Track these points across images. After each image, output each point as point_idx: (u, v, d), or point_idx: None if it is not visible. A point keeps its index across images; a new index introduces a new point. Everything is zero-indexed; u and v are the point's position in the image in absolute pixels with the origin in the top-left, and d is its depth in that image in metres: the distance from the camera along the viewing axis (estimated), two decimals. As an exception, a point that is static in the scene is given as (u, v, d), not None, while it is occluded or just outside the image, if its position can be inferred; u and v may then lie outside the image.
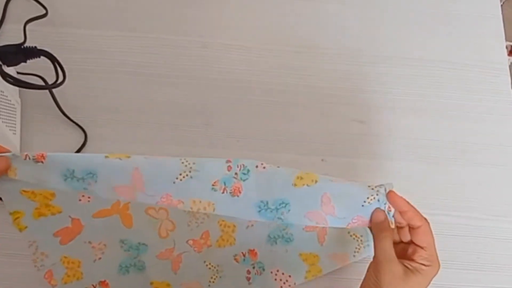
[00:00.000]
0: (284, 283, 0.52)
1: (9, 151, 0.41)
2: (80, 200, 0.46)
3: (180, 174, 0.42)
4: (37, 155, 0.40)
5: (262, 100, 0.63)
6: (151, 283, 0.51)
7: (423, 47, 0.67)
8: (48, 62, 0.51)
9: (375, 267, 0.43)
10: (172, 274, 0.51)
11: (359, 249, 0.53)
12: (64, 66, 0.51)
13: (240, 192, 0.43)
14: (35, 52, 0.50)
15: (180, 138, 0.60)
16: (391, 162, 0.61)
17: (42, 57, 0.50)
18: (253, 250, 0.53)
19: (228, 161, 0.44)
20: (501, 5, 0.72)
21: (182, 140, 0.60)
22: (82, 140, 0.58)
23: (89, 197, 0.46)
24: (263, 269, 0.53)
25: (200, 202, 0.43)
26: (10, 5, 0.63)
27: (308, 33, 0.67)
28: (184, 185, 0.42)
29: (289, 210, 0.44)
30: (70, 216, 0.47)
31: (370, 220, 0.45)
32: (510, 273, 0.58)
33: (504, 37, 0.69)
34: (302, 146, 0.61)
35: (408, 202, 0.44)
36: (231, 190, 0.42)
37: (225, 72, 0.63)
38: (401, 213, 0.44)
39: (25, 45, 0.50)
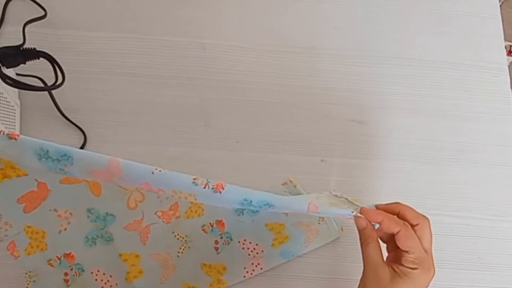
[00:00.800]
0: (251, 251, 0.54)
1: None
2: None
3: (158, 167, 0.40)
4: (10, 133, 0.39)
5: (261, 101, 0.63)
6: (120, 255, 0.52)
7: (422, 47, 0.67)
8: (47, 63, 0.51)
9: (363, 273, 0.43)
10: (141, 246, 0.52)
11: (323, 217, 0.55)
12: (63, 68, 0.51)
13: (222, 189, 0.40)
14: (34, 54, 0.50)
15: (180, 139, 0.60)
16: (390, 163, 0.61)
17: (41, 58, 0.50)
18: (221, 220, 0.55)
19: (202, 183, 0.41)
20: (500, 5, 0.72)
21: (182, 141, 0.60)
22: (82, 141, 0.58)
23: None
24: (231, 239, 0.54)
25: (181, 192, 0.41)
26: (9, 6, 0.63)
27: (306, 33, 0.67)
28: (163, 176, 0.39)
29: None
30: (36, 180, 0.46)
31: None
32: (510, 273, 0.58)
33: (503, 37, 0.69)
34: (301, 147, 0.61)
35: (380, 212, 0.43)
36: (213, 186, 0.40)
37: (224, 73, 0.63)
38: (379, 224, 0.43)
39: (24, 46, 0.50)
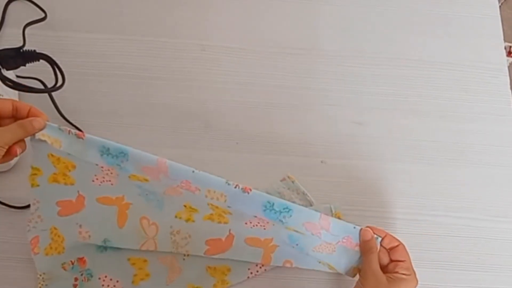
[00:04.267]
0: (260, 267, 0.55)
1: (46, 118, 0.44)
2: (93, 181, 0.50)
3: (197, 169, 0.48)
4: (78, 133, 0.45)
5: (261, 102, 0.63)
6: (128, 259, 0.54)
7: (422, 48, 0.67)
8: (47, 65, 0.51)
9: (363, 276, 0.50)
10: (149, 252, 0.54)
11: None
12: (63, 70, 0.51)
13: (250, 190, 0.47)
14: (34, 56, 0.50)
15: (180, 140, 0.60)
16: (390, 163, 0.61)
17: (41, 60, 0.50)
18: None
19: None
20: (500, 6, 0.72)
21: (182, 143, 0.60)
22: (82, 143, 0.58)
23: (101, 181, 0.50)
24: None
25: (215, 192, 0.47)
26: (10, 8, 0.63)
27: (306, 35, 0.67)
28: (201, 176, 0.47)
29: (290, 216, 0.48)
30: (78, 191, 0.51)
31: (359, 242, 0.51)
32: (510, 273, 0.58)
33: (502, 38, 0.69)
34: (301, 148, 0.61)
35: (382, 229, 0.51)
36: (242, 187, 0.47)
37: (223, 74, 0.64)
38: (381, 238, 0.51)
39: (24, 48, 0.50)
